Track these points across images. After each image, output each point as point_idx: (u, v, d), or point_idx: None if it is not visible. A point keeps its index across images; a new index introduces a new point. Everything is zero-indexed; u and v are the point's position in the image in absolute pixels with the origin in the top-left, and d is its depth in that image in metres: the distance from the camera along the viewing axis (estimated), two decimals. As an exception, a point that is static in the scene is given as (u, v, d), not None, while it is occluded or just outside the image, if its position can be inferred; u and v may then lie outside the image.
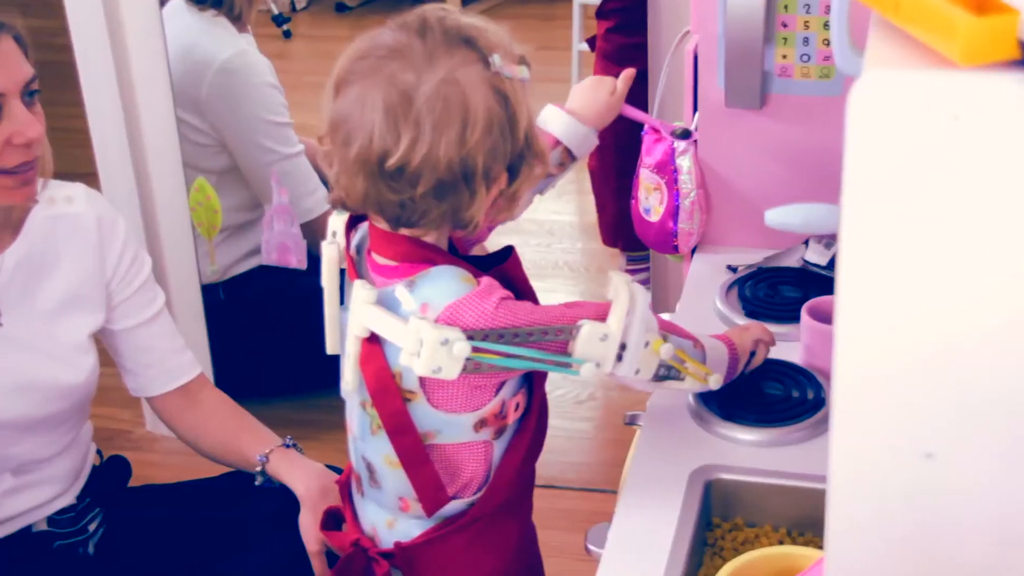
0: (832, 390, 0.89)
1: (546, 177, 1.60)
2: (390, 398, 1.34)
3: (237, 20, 2.73)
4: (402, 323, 1.28)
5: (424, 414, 1.36)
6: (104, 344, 1.86)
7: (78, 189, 1.79)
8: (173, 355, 1.90)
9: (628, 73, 1.70)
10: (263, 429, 1.89)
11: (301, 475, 1.77)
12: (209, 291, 2.79)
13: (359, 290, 1.33)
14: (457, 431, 1.38)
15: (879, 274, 0.82)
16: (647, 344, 1.34)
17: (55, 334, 1.76)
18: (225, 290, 2.84)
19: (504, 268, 1.38)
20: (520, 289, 1.38)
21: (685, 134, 1.81)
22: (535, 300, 1.39)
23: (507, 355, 1.28)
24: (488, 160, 1.27)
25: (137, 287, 1.84)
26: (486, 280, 1.31)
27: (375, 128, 1.25)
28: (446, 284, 1.30)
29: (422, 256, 1.33)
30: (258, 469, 1.81)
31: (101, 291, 1.80)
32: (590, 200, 3.50)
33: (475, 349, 1.26)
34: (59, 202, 1.75)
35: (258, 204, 2.81)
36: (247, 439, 1.86)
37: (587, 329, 1.30)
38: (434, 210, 1.29)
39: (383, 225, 1.34)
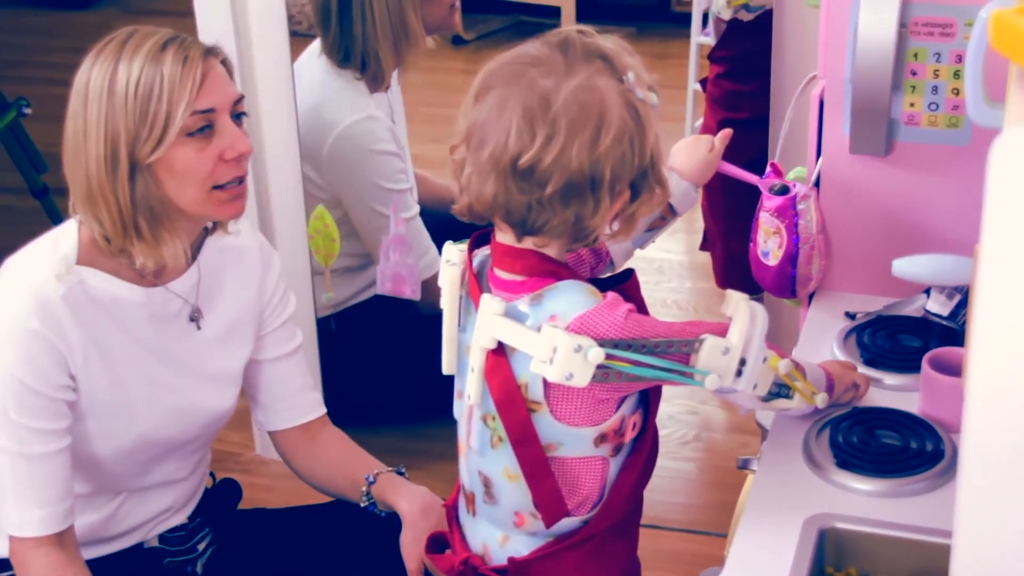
0: (962, 446, 0.88)
1: (646, 231, 1.66)
2: (515, 408, 1.37)
3: (375, 82, 2.77)
4: (533, 332, 1.32)
5: (547, 426, 1.39)
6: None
7: (244, 223, 1.85)
8: (304, 392, 1.95)
9: (725, 133, 1.74)
10: (375, 461, 1.92)
11: (405, 494, 1.81)
12: (320, 322, 2.83)
13: (487, 302, 1.36)
14: (578, 445, 1.40)
15: (1016, 330, 0.81)
16: (765, 360, 1.40)
17: (215, 361, 1.81)
18: (336, 321, 2.88)
19: (625, 287, 1.42)
20: (639, 310, 1.40)
21: (783, 190, 1.82)
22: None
23: (637, 363, 1.32)
24: (616, 170, 1.32)
25: (283, 321, 1.90)
26: (611, 294, 1.35)
27: (512, 128, 1.30)
28: (574, 297, 1.34)
29: (548, 270, 1.37)
30: (364, 489, 1.85)
31: (255, 321, 1.86)
32: (699, 239, 3.49)
33: (608, 356, 1.30)
34: (228, 234, 1.80)
35: None
36: (359, 468, 1.89)
37: (710, 342, 1.35)
38: (558, 215, 1.33)
39: (508, 239, 1.38)
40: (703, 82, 3.32)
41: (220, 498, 1.99)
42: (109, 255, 1.67)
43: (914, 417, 1.57)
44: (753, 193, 1.87)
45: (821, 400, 1.52)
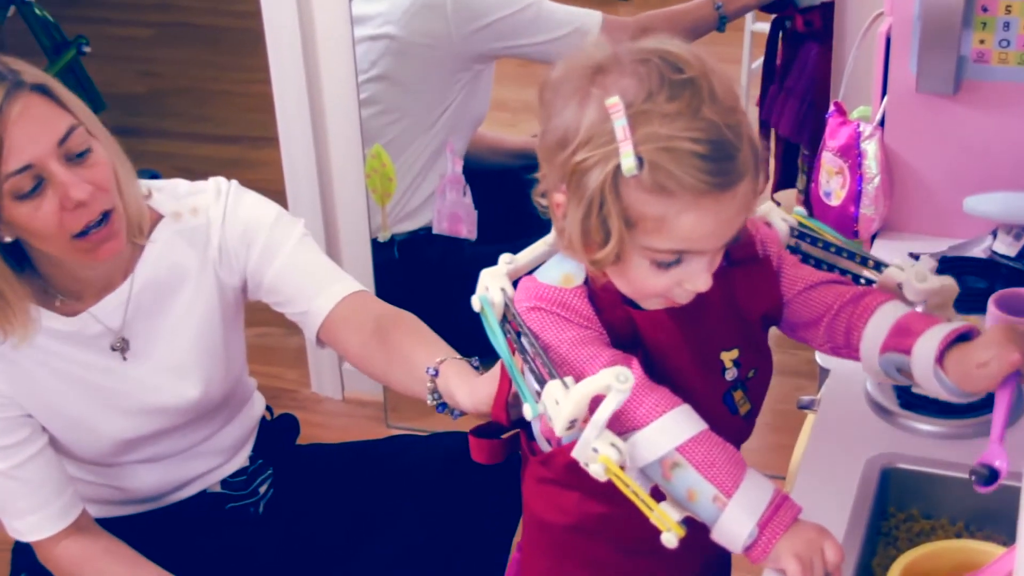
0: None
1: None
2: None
3: None
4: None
5: None
6: (268, 301, 1.80)
7: (207, 196, 1.73)
8: (331, 273, 1.78)
9: (1011, 360, 1.23)
10: (438, 342, 1.72)
11: (468, 387, 1.59)
12: (382, 249, 2.81)
13: None
14: None
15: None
16: (596, 451, 1.21)
17: (187, 349, 1.73)
18: (400, 249, 2.87)
19: (632, 315, 1.30)
20: (646, 345, 1.31)
21: (991, 479, 1.25)
22: (657, 365, 1.30)
23: (495, 334, 1.29)
24: (542, 156, 1.26)
25: (261, 246, 1.74)
26: (566, 292, 1.29)
27: None
28: (550, 264, 1.33)
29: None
30: (428, 385, 1.63)
31: (229, 292, 1.76)
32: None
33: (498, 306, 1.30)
34: (185, 215, 1.70)
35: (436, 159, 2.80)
36: (420, 352, 1.68)
37: (551, 385, 1.23)
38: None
39: None
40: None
41: (279, 432, 2.00)
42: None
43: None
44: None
45: (667, 540, 1.21)
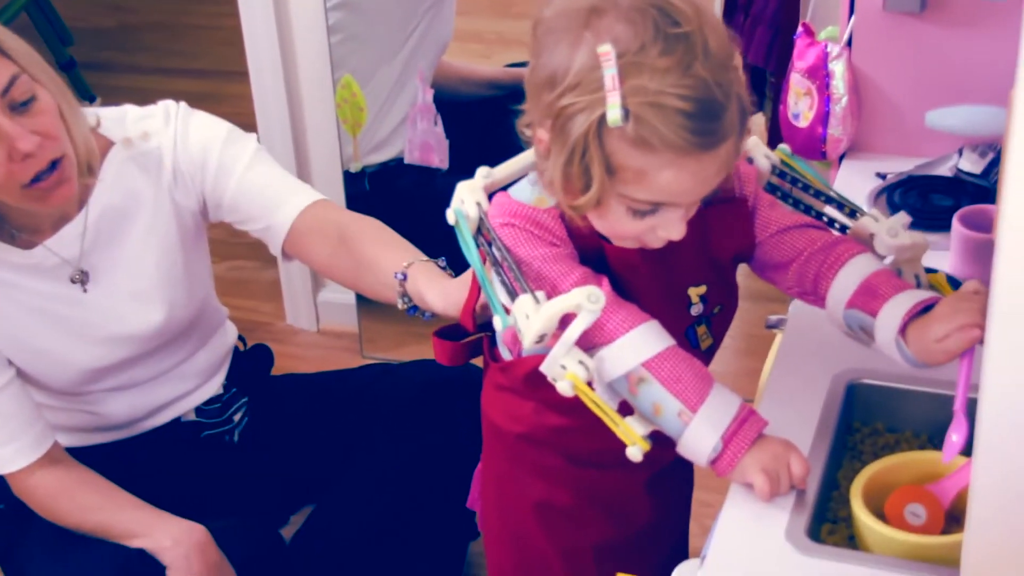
0: (991, 297, 0.89)
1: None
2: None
3: None
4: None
5: None
6: (230, 220, 1.80)
7: (156, 120, 1.73)
8: (289, 185, 1.78)
9: (970, 336, 1.23)
10: (404, 245, 1.71)
11: (440, 289, 1.59)
12: (354, 181, 2.81)
13: None
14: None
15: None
16: (564, 368, 1.23)
17: (147, 275, 1.73)
18: (371, 181, 2.87)
19: (603, 244, 1.30)
20: (613, 274, 1.31)
21: None
22: (621, 293, 1.30)
23: (468, 247, 1.29)
24: (529, 91, 1.24)
25: (216, 166, 1.74)
26: (539, 212, 1.29)
27: None
28: (525, 184, 1.32)
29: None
30: (398, 290, 1.64)
31: (187, 215, 1.76)
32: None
33: (470, 221, 1.29)
34: (136, 141, 1.70)
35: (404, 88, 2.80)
36: (388, 257, 1.68)
37: (522, 299, 1.24)
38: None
39: None
40: None
41: (252, 362, 2.01)
42: None
43: (945, 275, 1.56)
44: None
45: (632, 453, 1.23)
